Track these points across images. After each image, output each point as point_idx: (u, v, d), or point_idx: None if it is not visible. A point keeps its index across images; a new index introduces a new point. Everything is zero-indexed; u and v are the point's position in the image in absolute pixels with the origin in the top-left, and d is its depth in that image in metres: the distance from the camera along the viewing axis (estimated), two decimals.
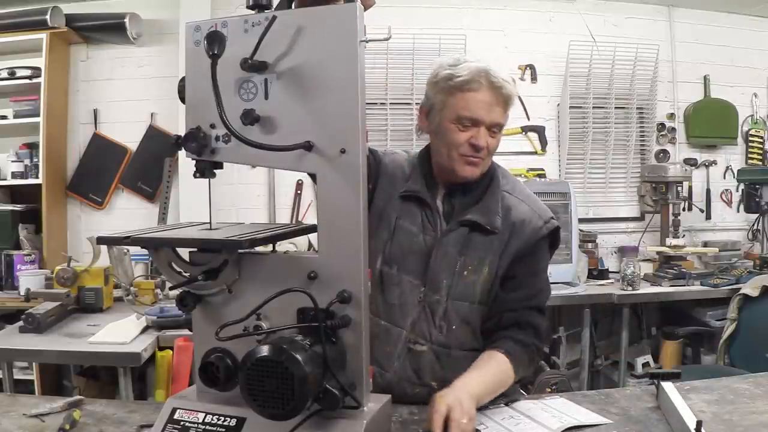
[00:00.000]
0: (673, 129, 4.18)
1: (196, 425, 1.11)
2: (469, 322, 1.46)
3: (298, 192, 3.84)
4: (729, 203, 4.26)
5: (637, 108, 4.10)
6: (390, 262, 1.47)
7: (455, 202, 1.50)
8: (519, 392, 1.53)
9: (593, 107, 4.01)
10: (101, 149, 3.77)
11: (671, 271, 3.61)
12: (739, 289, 3.19)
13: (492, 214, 1.46)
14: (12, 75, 3.51)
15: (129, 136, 3.79)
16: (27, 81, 3.51)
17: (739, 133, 4.23)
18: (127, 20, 3.58)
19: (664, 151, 4.17)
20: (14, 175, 3.57)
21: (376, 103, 3.80)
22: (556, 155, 4.07)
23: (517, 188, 1.55)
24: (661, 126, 4.16)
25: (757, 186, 3.76)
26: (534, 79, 4.03)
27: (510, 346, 1.39)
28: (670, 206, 3.82)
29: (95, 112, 3.79)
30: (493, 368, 1.36)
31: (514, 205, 1.49)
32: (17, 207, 3.56)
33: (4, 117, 3.57)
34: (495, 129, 1.45)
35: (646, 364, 3.68)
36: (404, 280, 1.46)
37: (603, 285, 3.60)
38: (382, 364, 1.45)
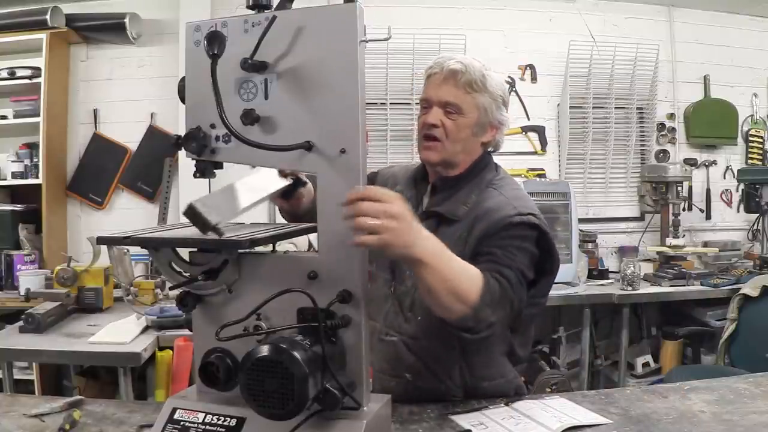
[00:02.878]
0: (673, 129, 4.18)
1: (196, 425, 1.11)
2: (432, 313, 1.40)
3: None
4: (729, 203, 4.26)
5: (637, 108, 4.10)
6: (371, 260, 1.47)
7: (436, 198, 1.51)
8: (519, 385, 1.52)
9: (593, 107, 4.01)
10: (101, 149, 3.77)
11: (671, 271, 3.61)
12: (739, 289, 3.19)
13: (457, 204, 1.46)
14: (12, 75, 3.51)
15: (129, 136, 3.78)
16: (27, 81, 3.51)
17: (739, 133, 4.23)
18: (127, 20, 3.58)
19: (664, 151, 4.17)
20: (14, 175, 3.57)
21: (376, 103, 3.80)
22: (556, 155, 4.07)
23: (507, 186, 1.51)
24: (661, 126, 4.16)
25: (757, 186, 3.76)
26: (534, 79, 4.03)
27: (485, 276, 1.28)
28: (670, 206, 3.82)
29: (95, 112, 3.79)
30: (462, 262, 1.25)
31: (491, 197, 1.46)
32: (17, 207, 3.56)
33: (4, 117, 3.57)
34: (450, 109, 1.44)
35: (646, 364, 3.68)
36: (378, 275, 1.50)
37: (603, 285, 3.60)
38: None
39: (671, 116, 4.18)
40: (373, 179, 1.61)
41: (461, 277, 1.22)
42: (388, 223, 1.06)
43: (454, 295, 1.20)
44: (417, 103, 3.78)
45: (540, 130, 4.04)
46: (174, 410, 1.14)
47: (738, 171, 4.09)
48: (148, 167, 3.76)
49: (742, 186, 3.97)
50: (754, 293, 3.06)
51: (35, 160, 3.55)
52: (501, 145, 1.57)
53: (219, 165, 1.18)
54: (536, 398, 1.46)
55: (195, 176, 1.18)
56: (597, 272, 3.72)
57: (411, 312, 1.45)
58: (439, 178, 1.52)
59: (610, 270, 3.80)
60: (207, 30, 1.09)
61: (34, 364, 3.10)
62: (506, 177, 1.55)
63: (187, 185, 3.51)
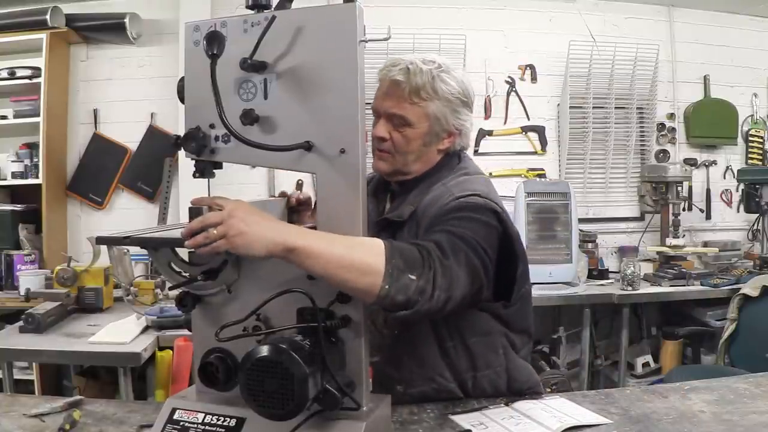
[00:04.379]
0: (673, 129, 4.18)
1: (195, 425, 1.11)
2: (407, 323, 1.35)
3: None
4: (729, 203, 4.26)
5: (637, 108, 4.10)
6: None
7: (394, 204, 1.47)
8: (512, 376, 1.45)
9: (593, 107, 4.01)
10: (101, 149, 3.77)
11: (671, 271, 3.61)
12: (739, 289, 3.19)
13: (405, 206, 1.41)
14: (12, 75, 3.51)
15: (129, 136, 3.78)
16: (27, 81, 3.51)
17: (739, 133, 4.22)
18: (127, 20, 3.58)
19: (664, 151, 4.17)
20: (14, 175, 3.57)
21: None
22: (556, 155, 4.06)
23: (454, 179, 1.41)
24: (661, 126, 4.16)
25: (757, 186, 3.76)
26: (534, 79, 4.03)
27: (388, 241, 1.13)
28: (670, 206, 3.82)
29: (95, 112, 3.79)
30: (344, 236, 1.09)
31: (432, 191, 1.39)
32: (17, 207, 3.56)
33: (4, 117, 3.57)
34: (396, 121, 1.37)
35: (646, 364, 3.68)
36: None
37: (603, 285, 3.60)
38: None
39: (671, 116, 4.18)
40: None
41: (352, 249, 1.06)
42: (233, 226, 1.00)
43: (354, 269, 1.04)
44: None
45: (540, 130, 4.04)
46: (174, 410, 1.14)
47: (738, 171, 4.08)
48: (148, 167, 3.76)
49: (742, 186, 3.97)
50: (754, 293, 3.06)
51: (35, 160, 3.55)
52: (467, 146, 1.50)
53: (218, 165, 1.18)
54: (536, 398, 1.46)
55: (194, 176, 1.18)
56: (597, 272, 3.72)
57: (386, 329, 1.40)
58: (398, 183, 1.48)
59: (610, 270, 3.80)
60: (206, 30, 1.09)
61: (34, 364, 3.10)
62: (463, 171, 1.45)
63: (187, 185, 3.51)
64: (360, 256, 1.05)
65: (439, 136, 1.41)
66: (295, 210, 1.46)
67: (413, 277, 1.08)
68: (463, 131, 1.45)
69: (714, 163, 4.23)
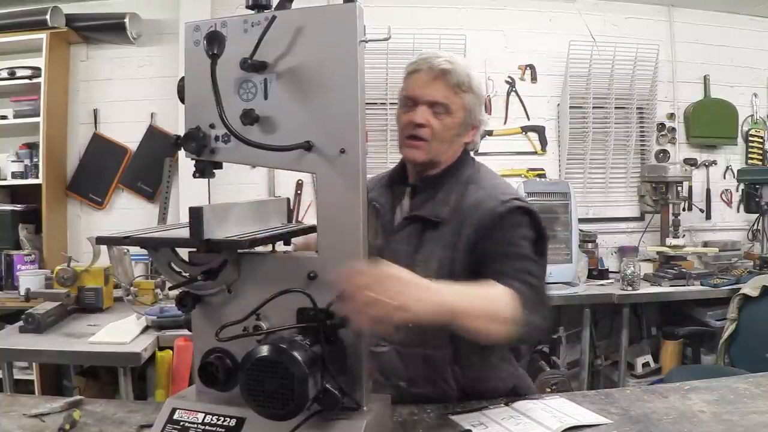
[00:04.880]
0: (673, 129, 4.18)
1: (195, 425, 1.11)
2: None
3: (298, 192, 3.84)
4: (729, 203, 4.26)
5: (637, 108, 4.10)
6: None
7: (416, 200, 1.49)
8: (518, 384, 1.49)
9: (593, 107, 4.01)
10: (101, 149, 3.77)
11: (671, 271, 3.61)
12: (739, 289, 3.19)
13: (439, 205, 1.43)
14: (12, 75, 3.51)
15: (129, 136, 3.78)
16: (27, 81, 3.51)
17: (739, 133, 4.23)
18: (127, 20, 3.58)
19: (664, 151, 4.17)
20: (14, 175, 3.57)
21: (376, 103, 3.79)
22: (556, 155, 4.07)
23: (484, 178, 1.48)
24: (661, 126, 4.16)
25: (757, 186, 3.76)
26: (534, 79, 4.03)
27: (508, 283, 1.24)
28: (670, 206, 3.82)
29: (95, 112, 3.79)
30: (480, 287, 1.20)
31: (471, 193, 1.43)
32: (17, 207, 3.56)
33: (4, 117, 3.57)
34: (438, 109, 1.42)
35: (646, 364, 3.68)
36: None
37: (603, 285, 3.60)
38: None
39: (671, 116, 4.18)
40: None
41: (493, 303, 1.18)
42: (390, 288, 0.99)
43: (499, 322, 1.17)
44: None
45: (540, 130, 4.04)
46: (173, 410, 1.14)
47: (738, 171, 4.09)
48: (148, 167, 3.76)
49: (742, 186, 3.97)
50: (754, 293, 3.06)
51: (35, 160, 3.55)
52: (478, 145, 1.55)
53: (218, 165, 1.18)
54: (536, 398, 1.46)
55: (194, 176, 1.18)
56: (597, 272, 3.72)
57: None
58: (421, 178, 1.49)
59: (610, 270, 3.81)
60: (206, 30, 1.09)
61: (34, 364, 3.10)
62: (483, 168, 1.53)
63: (187, 185, 3.52)
64: (502, 308, 1.18)
65: (467, 127, 1.48)
66: None
67: (537, 319, 1.25)
68: (482, 127, 1.52)
69: (714, 163, 4.23)
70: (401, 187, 1.53)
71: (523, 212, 1.38)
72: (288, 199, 1.44)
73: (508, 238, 1.34)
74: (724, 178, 4.25)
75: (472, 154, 1.56)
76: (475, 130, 1.49)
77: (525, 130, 4.02)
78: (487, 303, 1.18)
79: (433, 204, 1.44)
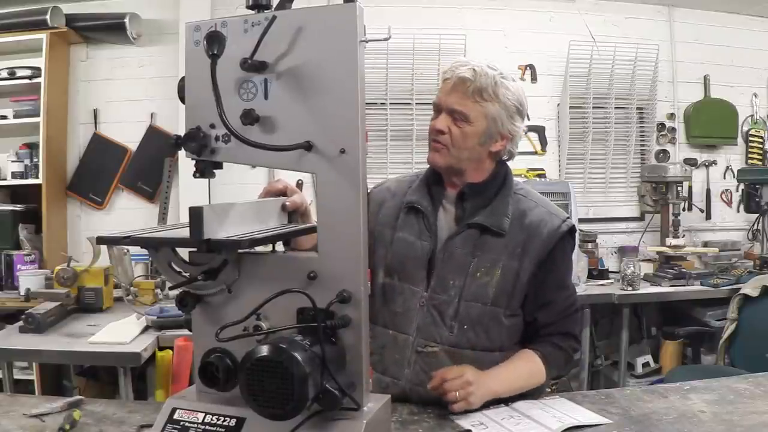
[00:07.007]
0: (673, 129, 4.18)
1: (195, 425, 1.11)
2: (482, 322, 1.46)
3: None
4: (729, 203, 4.26)
5: (637, 108, 4.10)
6: (391, 273, 1.52)
7: (467, 206, 1.51)
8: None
9: (593, 107, 4.01)
10: (101, 149, 3.78)
11: (671, 271, 3.61)
12: (739, 289, 3.18)
13: (499, 216, 1.48)
14: (12, 75, 3.51)
15: (129, 136, 3.79)
16: (27, 81, 3.51)
17: (739, 133, 4.23)
18: (127, 20, 3.58)
19: (664, 151, 4.17)
20: (14, 175, 3.57)
21: (376, 103, 3.80)
22: (556, 155, 4.07)
23: (531, 192, 1.57)
24: (661, 126, 4.16)
25: (757, 186, 3.76)
26: (534, 79, 4.03)
27: (547, 350, 1.49)
28: (670, 206, 3.82)
29: (95, 112, 3.79)
30: (524, 366, 1.46)
31: (529, 209, 1.51)
32: (17, 207, 3.56)
33: (4, 117, 3.57)
34: (456, 116, 1.45)
35: (646, 364, 3.68)
36: (405, 287, 1.50)
37: (603, 285, 3.60)
38: (394, 373, 1.48)
39: (671, 116, 4.18)
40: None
41: (528, 379, 1.46)
42: (468, 390, 1.33)
43: (530, 387, 1.46)
44: (417, 104, 3.80)
45: (540, 130, 4.04)
46: (174, 410, 1.14)
47: (738, 171, 4.09)
48: (148, 167, 3.76)
49: (742, 186, 3.97)
50: (754, 293, 3.06)
51: (35, 160, 3.56)
52: (515, 154, 1.57)
53: (219, 165, 1.17)
54: (536, 398, 1.46)
55: (195, 176, 1.17)
56: (597, 272, 3.72)
57: (455, 321, 1.46)
58: (467, 185, 1.52)
59: (610, 270, 3.81)
60: (207, 30, 1.09)
61: (34, 364, 3.10)
62: (520, 182, 1.63)
63: (187, 185, 3.52)
64: (536, 382, 1.48)
65: (493, 137, 1.49)
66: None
67: (563, 371, 1.66)
68: (515, 137, 1.53)
69: (714, 163, 4.23)
70: (440, 189, 1.55)
71: (573, 232, 1.55)
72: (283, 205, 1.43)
73: (561, 277, 1.54)
74: (724, 178, 4.25)
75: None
76: (504, 140, 1.50)
77: (525, 130, 4.02)
78: (525, 383, 1.45)
79: (492, 213, 1.48)
